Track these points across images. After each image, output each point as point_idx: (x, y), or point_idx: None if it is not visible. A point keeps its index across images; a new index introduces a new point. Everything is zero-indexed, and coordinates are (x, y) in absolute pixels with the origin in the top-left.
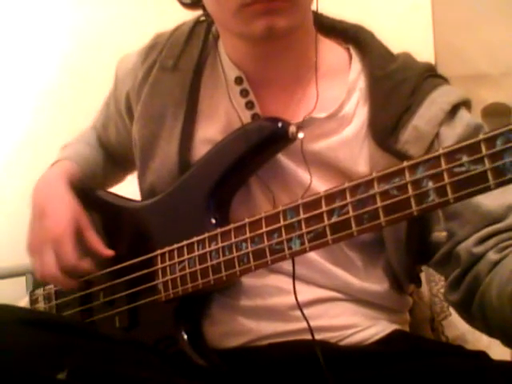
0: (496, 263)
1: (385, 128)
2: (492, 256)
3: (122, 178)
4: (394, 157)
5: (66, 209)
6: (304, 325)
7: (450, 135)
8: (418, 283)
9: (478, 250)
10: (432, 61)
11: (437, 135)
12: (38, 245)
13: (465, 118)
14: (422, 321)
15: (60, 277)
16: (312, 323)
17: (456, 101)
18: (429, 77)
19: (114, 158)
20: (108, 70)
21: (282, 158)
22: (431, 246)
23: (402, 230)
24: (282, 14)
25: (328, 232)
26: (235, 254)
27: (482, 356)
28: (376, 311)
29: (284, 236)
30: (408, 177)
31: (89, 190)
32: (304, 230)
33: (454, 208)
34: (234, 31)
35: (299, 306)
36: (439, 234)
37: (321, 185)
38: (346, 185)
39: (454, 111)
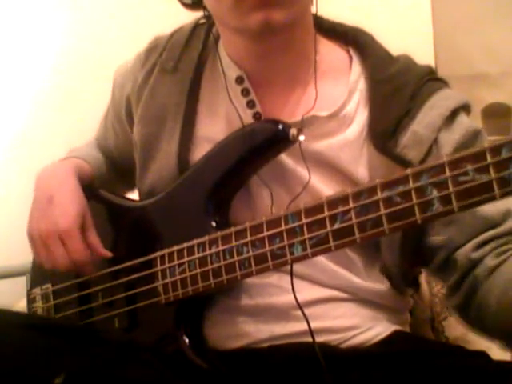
0: (493, 268)
1: (384, 132)
2: (489, 261)
3: (125, 191)
4: (393, 161)
5: (75, 201)
6: (304, 326)
7: (448, 141)
8: (416, 287)
9: (476, 255)
10: (432, 61)
11: (435, 141)
12: (43, 234)
13: (463, 124)
14: (423, 321)
15: (72, 268)
16: (313, 324)
17: (455, 105)
18: (429, 80)
19: (116, 168)
20: (104, 70)
21: (281, 155)
22: (428, 250)
23: (397, 234)
24: (278, 8)
25: (331, 238)
26: (236, 259)
27: (482, 356)
28: (377, 311)
29: (286, 241)
30: (412, 184)
31: (89, 188)
32: (306, 235)
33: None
34: (232, 26)
35: (299, 306)
36: (436, 239)
37: (320, 184)
38: (349, 191)
39: (452, 116)
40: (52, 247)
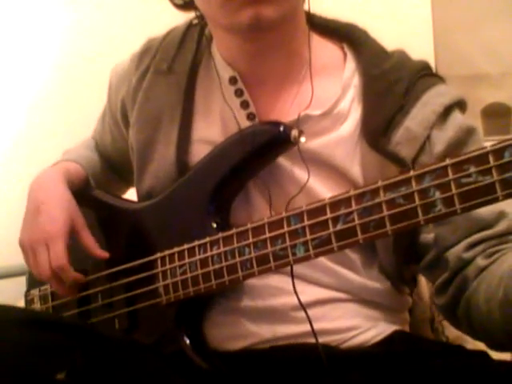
0: (483, 269)
1: (377, 129)
2: (480, 261)
3: (124, 190)
4: (386, 158)
5: (62, 207)
6: (305, 327)
7: (441, 139)
8: (413, 286)
9: (467, 255)
10: (432, 61)
11: (428, 138)
12: (32, 242)
13: (457, 121)
14: (423, 321)
15: (52, 278)
16: (313, 325)
17: (449, 102)
18: (423, 76)
19: (114, 167)
20: (102, 70)
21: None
22: (419, 248)
23: None
24: (268, 4)
25: (333, 239)
26: (238, 259)
27: (482, 356)
28: (376, 311)
29: (288, 242)
30: (415, 186)
31: (87, 190)
32: (308, 236)
33: None
34: (222, 24)
35: (303, 307)
36: (427, 237)
37: (317, 183)
38: (352, 192)
39: (446, 113)
40: (38, 254)
